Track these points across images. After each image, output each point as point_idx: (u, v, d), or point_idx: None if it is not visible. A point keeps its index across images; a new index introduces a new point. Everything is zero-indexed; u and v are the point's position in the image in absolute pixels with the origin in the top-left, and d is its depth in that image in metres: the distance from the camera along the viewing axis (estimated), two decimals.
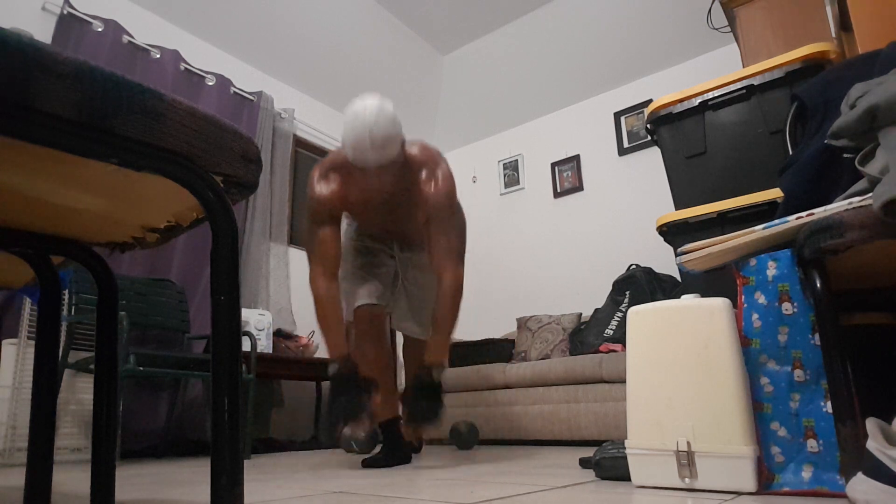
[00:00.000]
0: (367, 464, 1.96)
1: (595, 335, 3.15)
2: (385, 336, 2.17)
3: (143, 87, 0.53)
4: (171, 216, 0.72)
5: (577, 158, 4.31)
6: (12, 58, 0.44)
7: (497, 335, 4.28)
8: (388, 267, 2.22)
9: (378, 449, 2.80)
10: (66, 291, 2.61)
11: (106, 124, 0.50)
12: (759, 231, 1.12)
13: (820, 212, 1.02)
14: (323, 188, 1.95)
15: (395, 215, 2.06)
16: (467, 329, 4.47)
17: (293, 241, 4.07)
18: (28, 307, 2.53)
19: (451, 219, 1.97)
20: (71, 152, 0.51)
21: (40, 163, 0.55)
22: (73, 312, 2.57)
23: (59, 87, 0.47)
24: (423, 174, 1.93)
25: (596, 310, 3.36)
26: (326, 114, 4.49)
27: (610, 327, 3.13)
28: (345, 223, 2.27)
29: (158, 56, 3.35)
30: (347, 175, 1.95)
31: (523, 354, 3.53)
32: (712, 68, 3.80)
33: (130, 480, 1.69)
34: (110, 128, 0.51)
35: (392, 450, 2.03)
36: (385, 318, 2.18)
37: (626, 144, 4.10)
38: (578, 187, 4.26)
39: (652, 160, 3.91)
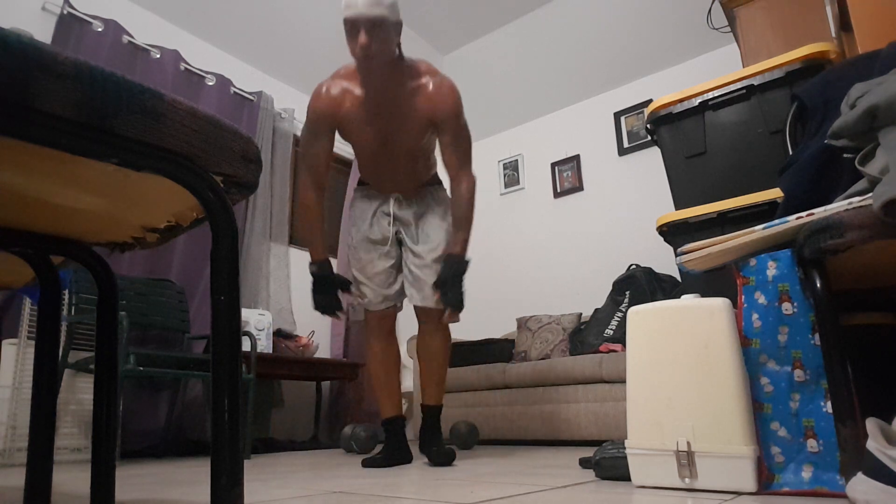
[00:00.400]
0: (367, 464, 1.96)
1: (595, 335, 3.15)
2: (394, 335, 2.18)
3: (143, 87, 0.53)
4: (171, 216, 0.72)
5: (577, 158, 4.32)
6: (12, 58, 0.44)
7: (497, 335, 4.28)
8: (391, 259, 2.15)
9: (378, 449, 2.80)
10: (66, 291, 2.61)
11: (106, 124, 0.50)
12: (759, 231, 1.12)
13: (820, 212, 1.02)
14: (322, 99, 2.00)
15: (395, 142, 2.02)
16: (467, 329, 4.47)
17: (293, 241, 4.07)
18: (28, 307, 2.53)
19: (461, 124, 2.02)
20: (71, 152, 0.51)
21: (40, 163, 0.55)
22: (73, 312, 2.57)
23: (59, 87, 0.47)
24: (430, 85, 1.97)
25: (596, 310, 3.36)
26: None
27: (610, 327, 3.13)
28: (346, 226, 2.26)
29: (158, 56, 3.35)
30: (348, 86, 1.99)
31: (523, 354, 3.53)
32: (712, 68, 3.80)
33: (130, 480, 1.69)
34: (110, 128, 0.51)
35: (393, 449, 2.03)
36: (395, 317, 2.19)
37: (626, 144, 4.10)
38: (578, 187, 4.26)
39: (652, 160, 3.91)
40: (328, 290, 2.05)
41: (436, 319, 2.10)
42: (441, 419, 2.16)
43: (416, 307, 2.13)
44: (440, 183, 2.25)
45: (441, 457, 1.94)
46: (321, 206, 2.10)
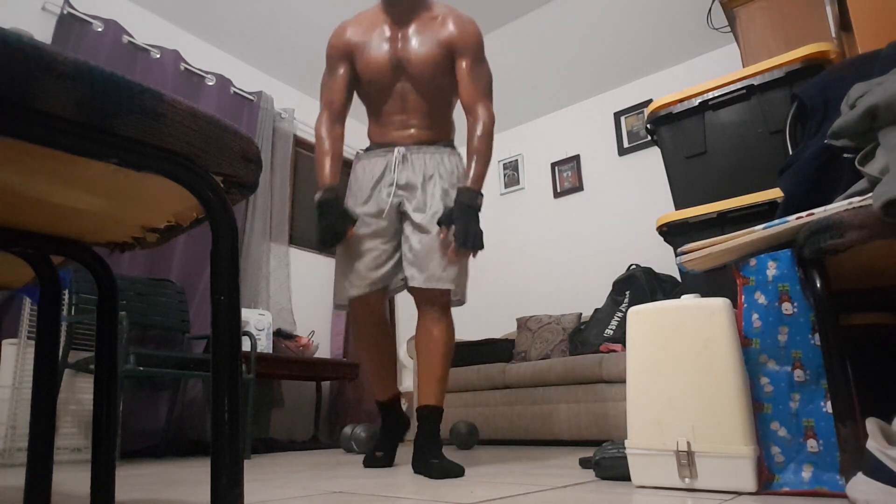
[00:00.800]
0: (368, 464, 1.95)
1: (595, 335, 3.15)
2: (385, 323, 1.99)
3: (142, 87, 0.53)
4: (172, 216, 0.72)
5: (577, 158, 4.32)
6: (12, 58, 0.44)
7: (497, 335, 4.28)
8: (386, 236, 1.92)
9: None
10: (66, 291, 2.61)
11: (106, 124, 0.50)
12: (759, 231, 1.12)
13: (820, 212, 1.02)
14: (339, 30, 1.98)
15: (410, 71, 1.91)
16: (467, 329, 4.47)
17: (293, 241, 4.08)
18: (28, 307, 2.53)
19: (482, 55, 1.94)
20: (71, 152, 0.51)
21: (40, 163, 0.55)
22: (73, 312, 2.57)
23: (59, 87, 0.47)
24: (451, 15, 1.92)
25: (596, 310, 3.36)
26: None
27: (610, 327, 3.13)
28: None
29: (158, 56, 3.36)
30: (367, 17, 1.97)
31: (523, 354, 3.53)
32: (712, 68, 3.80)
33: (130, 480, 1.69)
34: (110, 128, 0.51)
35: (389, 429, 1.99)
36: (384, 303, 1.96)
37: (626, 144, 4.10)
38: (578, 187, 4.26)
39: (652, 160, 3.91)
40: (336, 213, 1.83)
41: (440, 305, 1.84)
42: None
43: (414, 290, 1.86)
44: (454, 148, 2.04)
45: (443, 471, 1.59)
46: (337, 137, 1.96)
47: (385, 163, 1.96)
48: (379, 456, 1.96)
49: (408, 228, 1.90)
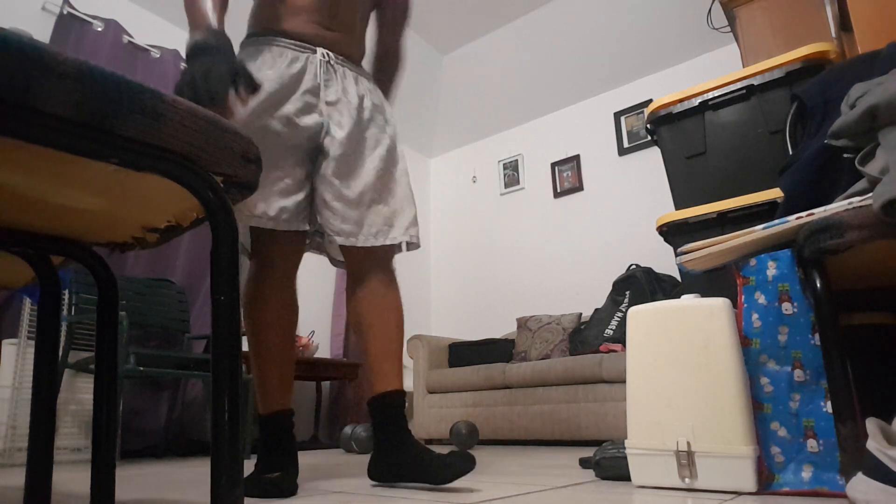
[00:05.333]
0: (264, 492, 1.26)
1: (595, 335, 3.15)
2: (294, 284, 1.45)
3: (143, 87, 0.53)
4: (172, 216, 0.72)
5: (577, 158, 4.32)
6: (13, 58, 0.44)
7: (497, 335, 4.28)
8: (303, 158, 1.37)
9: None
10: (66, 291, 2.61)
11: (106, 124, 0.50)
12: (759, 231, 1.12)
13: (820, 212, 1.02)
14: None
15: None
16: (467, 329, 4.46)
17: None
18: (28, 307, 2.53)
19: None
20: (71, 152, 0.51)
21: (40, 163, 0.55)
22: (73, 312, 2.57)
23: (59, 88, 0.47)
24: None
25: (596, 310, 3.36)
26: None
27: (610, 327, 3.13)
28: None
29: (158, 56, 3.35)
30: None
31: (523, 354, 3.53)
32: (712, 68, 3.80)
33: (130, 480, 1.69)
34: (110, 128, 0.51)
35: (279, 466, 1.29)
36: (300, 257, 1.42)
37: (626, 144, 4.10)
38: (578, 187, 4.26)
39: (652, 160, 3.91)
40: (225, 63, 1.04)
41: (388, 262, 1.39)
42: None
43: (347, 250, 1.39)
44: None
45: (454, 469, 1.19)
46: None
47: (302, 64, 1.38)
48: (276, 477, 1.27)
49: (325, 175, 1.36)
